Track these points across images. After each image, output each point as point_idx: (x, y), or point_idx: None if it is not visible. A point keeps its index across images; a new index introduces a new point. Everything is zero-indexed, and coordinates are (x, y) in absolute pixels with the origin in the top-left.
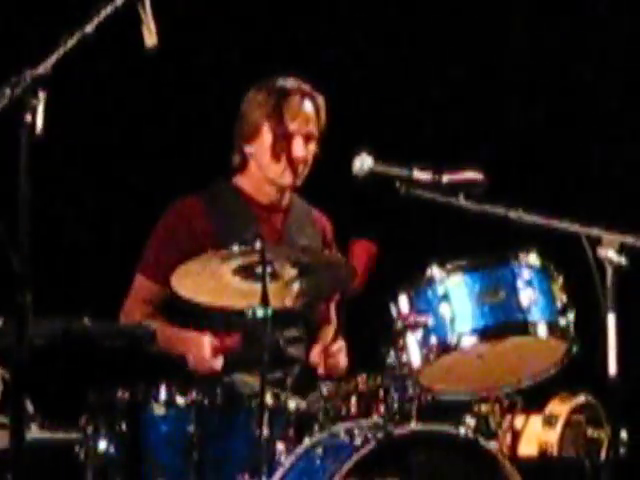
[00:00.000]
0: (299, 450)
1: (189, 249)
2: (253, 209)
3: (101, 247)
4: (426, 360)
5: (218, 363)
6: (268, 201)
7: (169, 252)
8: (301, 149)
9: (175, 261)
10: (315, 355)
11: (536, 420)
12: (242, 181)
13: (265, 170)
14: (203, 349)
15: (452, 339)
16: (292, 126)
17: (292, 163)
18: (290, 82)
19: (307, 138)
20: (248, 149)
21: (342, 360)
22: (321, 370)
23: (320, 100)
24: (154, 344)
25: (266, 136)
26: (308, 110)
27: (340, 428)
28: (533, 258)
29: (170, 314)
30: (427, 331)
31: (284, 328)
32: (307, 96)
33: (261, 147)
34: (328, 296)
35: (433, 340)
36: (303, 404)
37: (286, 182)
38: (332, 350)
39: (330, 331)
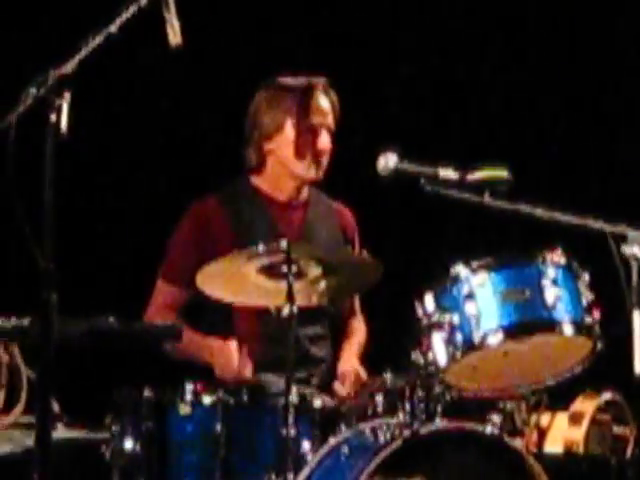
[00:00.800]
0: (325, 448)
1: (209, 251)
2: (271, 208)
3: (126, 248)
4: (452, 358)
5: (248, 370)
6: (286, 197)
7: (189, 255)
8: (326, 141)
9: (196, 263)
10: (339, 390)
11: (562, 418)
12: (259, 180)
13: (289, 166)
14: (231, 358)
15: (478, 337)
16: (315, 120)
17: (317, 156)
18: (308, 79)
19: (326, 130)
20: (268, 146)
21: (362, 375)
22: (340, 389)
23: (334, 95)
24: (175, 348)
25: (289, 131)
26: (326, 104)
27: (366, 426)
28: (558, 256)
29: (194, 321)
30: (453, 329)
31: (305, 326)
32: (324, 91)
33: (284, 142)
34: (354, 294)
35: (459, 338)
36: (330, 401)
37: (312, 176)
38: (351, 380)
39: (355, 324)
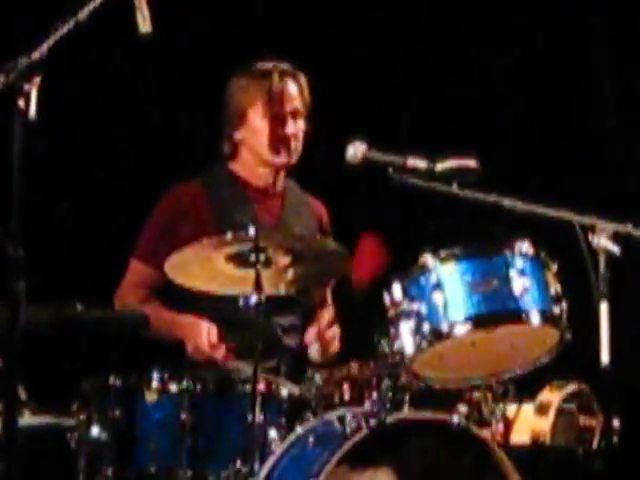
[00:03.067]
0: (291, 437)
1: (189, 234)
2: (250, 193)
3: (94, 232)
4: (419, 348)
5: (220, 352)
6: (264, 184)
7: (168, 236)
8: (291, 126)
9: (171, 245)
10: (310, 335)
11: (528, 408)
12: (236, 167)
13: (259, 152)
14: (201, 336)
15: (445, 327)
16: (277, 105)
17: (284, 141)
18: (268, 64)
19: (294, 115)
20: (237, 135)
21: (335, 346)
22: (313, 352)
23: (302, 78)
24: (148, 329)
25: (253, 119)
26: (290, 88)
27: (333, 415)
28: (526, 246)
29: (166, 299)
30: (420, 319)
31: (280, 315)
32: (287, 75)
33: (250, 131)
34: (323, 283)
35: (426, 328)
36: (296, 390)
37: (281, 161)
38: (327, 335)
39: (327, 314)
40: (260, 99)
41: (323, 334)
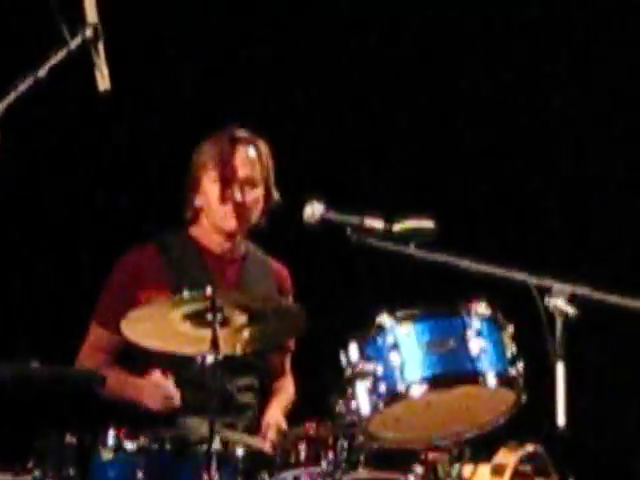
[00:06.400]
0: None
1: (144, 296)
2: (208, 259)
3: (55, 292)
4: (375, 408)
5: (177, 399)
6: (221, 251)
7: (121, 300)
8: (238, 194)
9: (127, 310)
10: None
11: (484, 470)
12: (196, 231)
13: (211, 217)
14: (158, 391)
15: (401, 387)
16: (228, 172)
17: (234, 208)
18: (226, 131)
19: (247, 183)
20: (197, 201)
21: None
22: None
23: (261, 145)
24: (103, 389)
25: (206, 184)
26: (246, 156)
27: (288, 475)
28: (483, 308)
29: (123, 358)
30: (376, 379)
31: (235, 376)
32: (244, 142)
33: (204, 196)
34: (280, 343)
35: (382, 388)
36: (255, 442)
37: (230, 227)
38: (273, 430)
39: (283, 384)
40: (211, 165)
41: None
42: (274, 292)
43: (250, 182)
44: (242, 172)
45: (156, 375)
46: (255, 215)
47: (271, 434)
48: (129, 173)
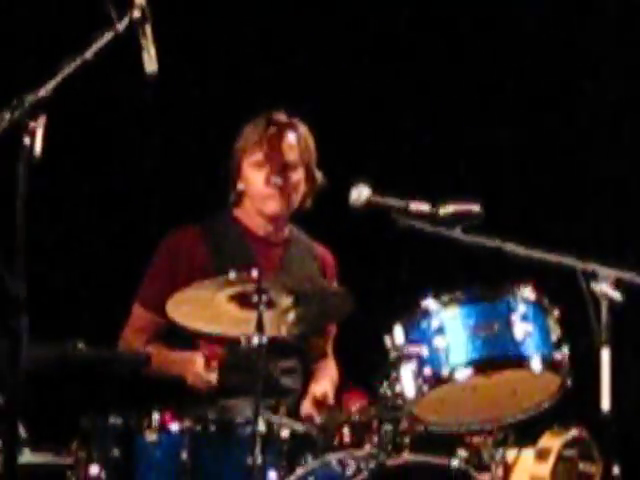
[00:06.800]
0: (291, 479)
1: (187, 278)
2: (251, 241)
3: (99, 273)
4: (420, 391)
5: (213, 376)
6: (264, 233)
7: (164, 283)
8: (279, 178)
9: (170, 292)
10: (307, 409)
11: (528, 454)
12: (240, 214)
13: (254, 201)
14: (196, 364)
15: (446, 371)
16: (268, 157)
17: (275, 192)
18: (264, 115)
19: (287, 166)
20: (239, 185)
21: (331, 396)
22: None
23: (301, 128)
24: (149, 368)
25: (247, 169)
26: (285, 139)
27: (333, 458)
28: (528, 292)
29: (171, 342)
30: (421, 362)
31: (279, 358)
32: (282, 126)
33: (246, 180)
34: (324, 326)
35: (427, 372)
36: (299, 427)
37: (271, 211)
38: (319, 398)
39: (326, 365)
40: (251, 149)
41: (316, 400)
42: (318, 276)
43: (290, 166)
44: (281, 156)
45: (195, 354)
46: (297, 198)
47: (318, 401)
48: (173, 155)
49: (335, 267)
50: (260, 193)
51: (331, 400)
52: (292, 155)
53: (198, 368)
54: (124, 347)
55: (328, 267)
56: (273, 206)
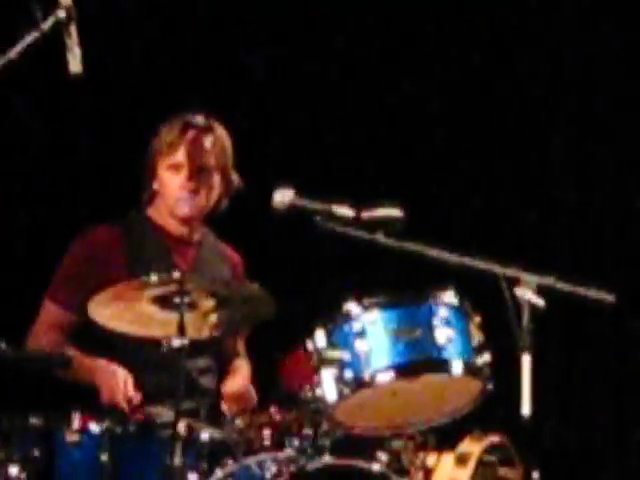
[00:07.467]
0: None
1: (102, 277)
2: (166, 240)
3: (7, 271)
4: (341, 395)
5: (136, 400)
6: (178, 233)
7: (81, 279)
8: (190, 182)
9: (81, 289)
10: (227, 388)
11: (448, 458)
12: (153, 213)
13: (166, 202)
14: (118, 385)
15: (367, 375)
16: (179, 159)
17: (186, 195)
18: (179, 117)
19: (200, 170)
20: (154, 185)
21: (251, 402)
22: (226, 407)
23: (217, 131)
24: (69, 371)
25: (161, 171)
26: (198, 142)
27: (252, 461)
28: (450, 296)
29: (81, 343)
30: (342, 366)
31: (195, 358)
32: (197, 129)
33: (161, 182)
34: (245, 328)
35: (348, 375)
36: (218, 434)
37: (182, 213)
38: (235, 394)
39: (240, 364)
40: (164, 151)
41: (239, 395)
42: (228, 276)
43: (206, 170)
44: (198, 160)
45: (117, 369)
46: (211, 201)
47: (235, 398)
48: (92, 153)
49: (243, 267)
50: (173, 196)
51: (248, 397)
52: (208, 159)
53: (119, 387)
54: (33, 343)
55: (237, 269)
56: (186, 209)
